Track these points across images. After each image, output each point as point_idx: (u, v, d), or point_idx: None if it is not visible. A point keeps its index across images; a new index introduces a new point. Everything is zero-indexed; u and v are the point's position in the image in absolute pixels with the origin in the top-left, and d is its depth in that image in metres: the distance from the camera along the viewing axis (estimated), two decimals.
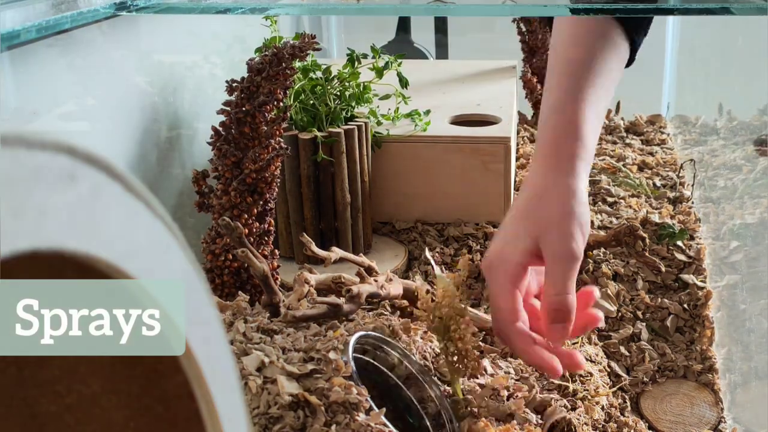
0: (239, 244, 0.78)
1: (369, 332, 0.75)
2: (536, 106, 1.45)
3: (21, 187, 0.23)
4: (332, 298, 0.80)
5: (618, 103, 1.56)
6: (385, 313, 0.89)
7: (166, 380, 0.33)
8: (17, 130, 0.23)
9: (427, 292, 0.76)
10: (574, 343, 0.86)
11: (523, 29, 1.45)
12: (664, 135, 1.46)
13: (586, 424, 0.74)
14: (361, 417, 0.63)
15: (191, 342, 0.32)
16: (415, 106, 1.15)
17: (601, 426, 0.76)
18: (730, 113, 1.51)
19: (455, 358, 0.74)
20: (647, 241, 1.02)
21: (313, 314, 0.78)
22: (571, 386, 0.78)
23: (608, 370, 0.87)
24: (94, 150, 0.26)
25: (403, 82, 1.12)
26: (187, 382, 0.33)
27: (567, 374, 0.81)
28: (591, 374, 0.79)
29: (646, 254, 1.01)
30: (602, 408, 0.76)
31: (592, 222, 1.05)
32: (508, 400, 0.78)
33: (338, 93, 1.05)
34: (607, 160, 1.32)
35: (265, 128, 0.84)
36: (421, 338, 0.82)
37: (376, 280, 0.87)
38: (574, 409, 0.76)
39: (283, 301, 0.80)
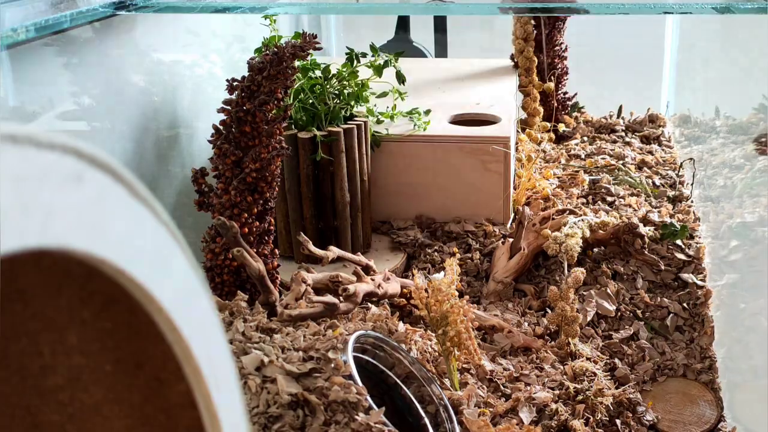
0: (235, 243, 0.78)
1: (368, 332, 0.75)
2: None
3: (29, 185, 0.23)
4: (328, 297, 0.80)
5: (620, 107, 1.56)
6: (385, 309, 0.89)
7: (169, 389, 0.33)
8: (28, 130, 0.23)
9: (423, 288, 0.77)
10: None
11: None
12: (663, 133, 1.46)
13: (586, 423, 0.74)
14: (361, 416, 0.63)
15: (192, 348, 0.31)
16: (414, 105, 1.15)
17: (602, 426, 0.76)
18: (726, 116, 1.51)
19: (450, 343, 0.74)
20: (646, 239, 1.02)
21: (309, 313, 0.78)
22: (572, 386, 0.78)
23: (610, 366, 0.86)
24: (100, 152, 0.26)
25: (400, 78, 1.12)
26: (189, 391, 0.32)
27: (572, 374, 0.81)
28: (595, 374, 0.79)
29: (646, 252, 1.01)
30: (606, 408, 0.76)
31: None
32: (506, 401, 0.78)
33: (337, 92, 1.05)
34: (606, 158, 1.32)
35: (266, 127, 0.84)
36: (421, 338, 0.82)
37: (373, 279, 0.87)
38: (574, 409, 0.76)
39: (281, 300, 0.80)
